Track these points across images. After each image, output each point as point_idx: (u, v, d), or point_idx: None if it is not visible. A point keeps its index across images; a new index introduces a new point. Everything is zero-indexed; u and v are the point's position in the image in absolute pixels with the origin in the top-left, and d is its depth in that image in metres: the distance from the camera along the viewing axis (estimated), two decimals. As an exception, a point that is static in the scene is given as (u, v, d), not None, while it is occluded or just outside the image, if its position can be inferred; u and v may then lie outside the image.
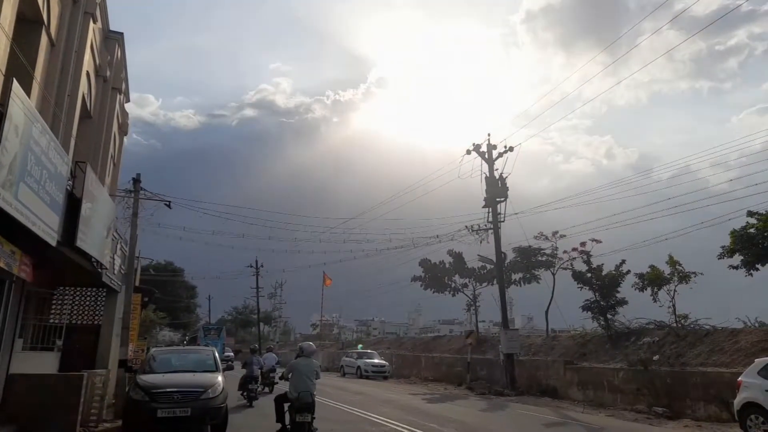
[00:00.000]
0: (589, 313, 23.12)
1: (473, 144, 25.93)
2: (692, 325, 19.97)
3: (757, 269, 17.80)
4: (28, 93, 9.30)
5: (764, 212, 17.48)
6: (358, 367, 33.02)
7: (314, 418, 9.07)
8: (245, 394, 17.00)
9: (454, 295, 33.33)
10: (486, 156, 25.73)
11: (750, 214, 17.82)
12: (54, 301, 15.03)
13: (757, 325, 18.33)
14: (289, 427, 9.28)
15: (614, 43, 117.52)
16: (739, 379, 12.17)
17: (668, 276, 20.74)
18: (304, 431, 8.80)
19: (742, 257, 17.83)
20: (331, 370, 41.88)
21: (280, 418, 9.78)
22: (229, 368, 20.46)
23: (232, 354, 45.05)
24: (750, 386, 11.59)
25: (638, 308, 22.71)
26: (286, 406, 9.54)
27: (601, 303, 22.62)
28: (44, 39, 10.66)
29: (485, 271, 30.97)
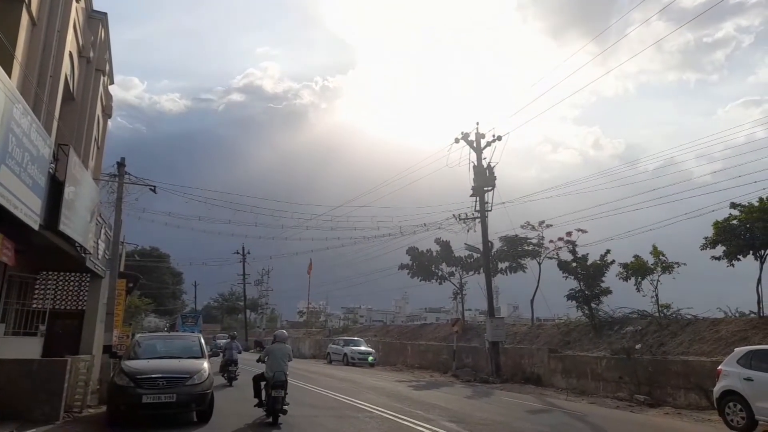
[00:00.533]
0: (574, 302, 23.37)
1: (462, 132, 25.92)
2: (674, 315, 20.27)
3: (739, 260, 18.07)
4: (9, 73, 9.09)
5: (747, 204, 17.71)
6: (345, 354, 33.13)
7: (286, 393, 10.83)
8: (225, 375, 18.66)
9: (441, 283, 33.48)
10: (474, 145, 25.73)
11: (733, 205, 18.05)
12: (37, 286, 14.85)
13: (737, 315, 18.66)
14: (265, 401, 10.98)
15: (603, 33, 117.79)
16: (720, 367, 12.39)
17: (652, 266, 21.00)
18: (278, 404, 10.51)
19: (725, 248, 18.08)
20: (318, 357, 41.99)
21: (257, 393, 11.46)
22: (215, 354, 20.58)
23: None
24: (729, 375, 11.81)
25: (622, 298, 23.01)
26: (262, 384, 11.25)
27: (586, 292, 22.87)
28: (25, 17, 10.41)
29: (472, 259, 31.11)
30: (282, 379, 10.73)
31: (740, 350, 12.31)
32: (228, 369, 18.82)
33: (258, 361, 11.77)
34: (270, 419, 10.59)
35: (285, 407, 10.71)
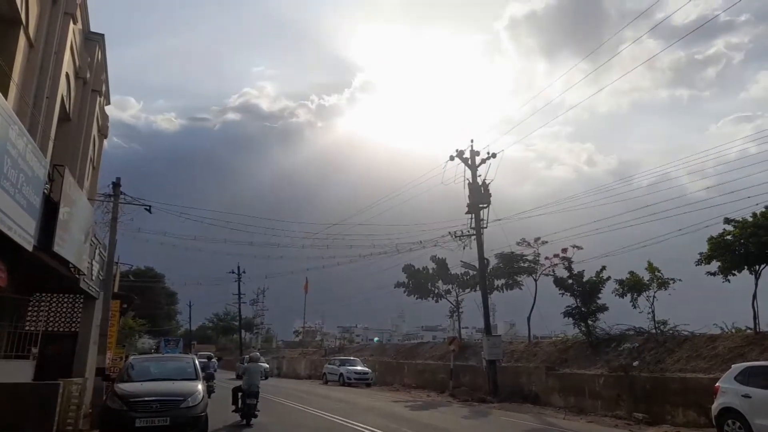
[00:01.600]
0: (571, 319, 23.30)
1: (456, 150, 26.08)
2: (671, 331, 20.22)
3: (734, 275, 18.09)
4: (6, 94, 9.13)
5: (740, 219, 17.80)
6: (341, 374, 32.82)
7: (258, 401, 13.85)
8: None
9: (437, 301, 33.35)
10: (469, 162, 25.86)
11: (727, 221, 18.14)
12: (30, 308, 14.72)
13: (733, 330, 18.62)
14: (241, 407, 13.84)
15: (596, 51, 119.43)
16: (717, 384, 12.33)
17: (647, 282, 21.00)
18: (251, 410, 13.60)
19: (720, 264, 18.12)
20: (314, 377, 41.56)
21: (234, 401, 14.25)
22: (209, 376, 20.55)
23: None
24: (727, 392, 11.75)
25: (618, 314, 22.95)
26: (239, 394, 14.01)
27: (582, 309, 22.81)
28: (22, 39, 10.47)
29: (468, 277, 31.05)
30: (255, 390, 13.72)
31: (737, 367, 12.28)
32: (207, 384, 20.55)
33: (237, 377, 15.89)
34: (244, 422, 13.58)
35: (257, 412, 13.76)
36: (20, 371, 12.68)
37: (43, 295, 15.34)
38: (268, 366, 41.27)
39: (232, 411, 14.16)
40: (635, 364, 18.59)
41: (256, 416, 13.69)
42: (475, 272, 27.72)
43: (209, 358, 25.27)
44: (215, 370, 24.59)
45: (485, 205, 25.47)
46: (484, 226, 25.60)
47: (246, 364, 14.83)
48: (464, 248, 26.91)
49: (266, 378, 34.49)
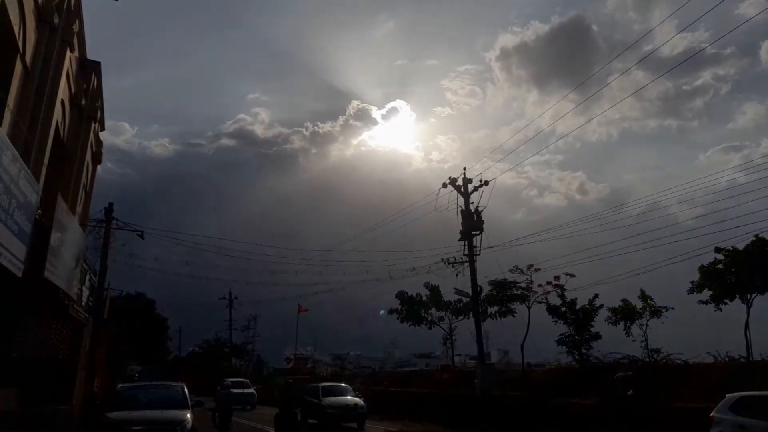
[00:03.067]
0: (564, 347, 23.20)
1: (449, 178, 26.23)
2: (664, 360, 20.15)
3: (726, 304, 18.16)
4: (0, 120, 9.17)
5: (731, 248, 17.94)
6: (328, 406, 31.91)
7: (231, 422, 17.39)
8: None
9: (430, 328, 33.13)
10: (462, 190, 26.02)
11: (717, 250, 18.28)
12: (18, 335, 14.51)
13: (727, 359, 18.59)
14: (218, 423, 16.77)
15: (585, 82, 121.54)
16: (712, 414, 12.26)
17: (640, 310, 21.02)
18: (226, 428, 16.81)
19: (711, 292, 18.20)
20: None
21: (213, 420, 17.01)
22: (198, 404, 20.08)
23: None
24: (722, 422, 11.68)
25: (611, 342, 22.88)
26: (216, 414, 17.02)
27: (576, 337, 22.74)
28: (19, 66, 10.57)
29: (461, 304, 30.93)
30: (229, 411, 17.26)
31: (732, 396, 12.22)
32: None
33: (215, 401, 17.88)
34: None
35: (231, 426, 17.15)
36: (6, 399, 12.42)
37: (32, 320, 15.16)
38: (254, 391, 38.84)
39: (213, 427, 16.96)
40: (629, 393, 18.45)
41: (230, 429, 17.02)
42: (468, 299, 27.64)
43: (242, 386, 23.83)
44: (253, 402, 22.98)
45: (478, 233, 25.54)
46: (477, 253, 25.62)
47: (222, 391, 17.63)
48: (457, 275, 26.89)
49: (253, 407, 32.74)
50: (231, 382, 21.94)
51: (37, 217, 10.31)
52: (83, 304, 15.46)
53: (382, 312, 30.91)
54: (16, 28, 9.95)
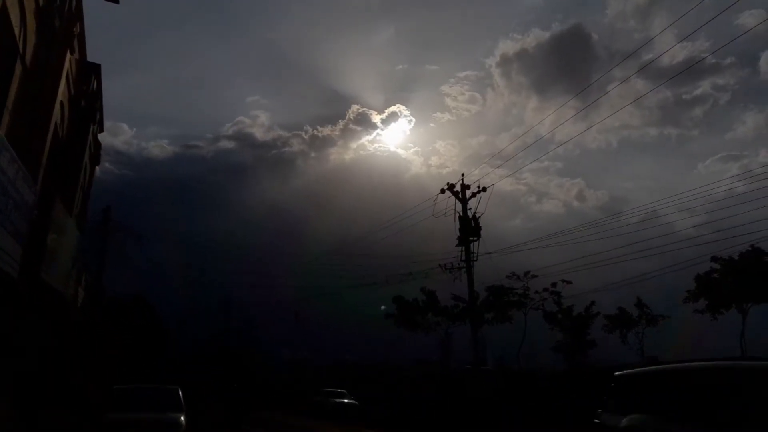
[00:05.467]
0: (561, 354, 23.23)
1: (447, 184, 26.26)
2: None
3: (722, 313, 18.19)
4: (-1, 121, 9.21)
5: (727, 258, 17.99)
6: (332, 406, 32.19)
7: None
8: None
9: (427, 333, 33.15)
10: (460, 196, 26.06)
11: (714, 259, 18.32)
12: (13, 336, 14.48)
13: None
14: None
15: (585, 89, 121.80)
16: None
17: (636, 318, 21.06)
18: None
19: (707, 302, 18.23)
20: (300, 409, 40.74)
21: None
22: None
23: None
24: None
25: (608, 350, 22.90)
26: None
27: (572, 344, 22.77)
28: (18, 68, 10.61)
29: (458, 309, 30.95)
30: None
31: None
32: None
33: None
34: None
35: None
36: (0, 401, 12.40)
37: (27, 321, 15.13)
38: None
39: None
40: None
41: None
42: (464, 305, 27.63)
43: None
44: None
45: (475, 239, 25.56)
46: (475, 259, 25.64)
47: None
48: (454, 281, 26.88)
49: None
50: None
51: (34, 217, 10.34)
52: (79, 305, 15.46)
53: (383, 307, 30.85)
54: (16, 30, 10.00)
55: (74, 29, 13.41)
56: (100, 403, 16.47)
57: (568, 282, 24.11)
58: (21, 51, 10.54)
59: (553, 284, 24.32)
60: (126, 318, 44.23)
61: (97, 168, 21.60)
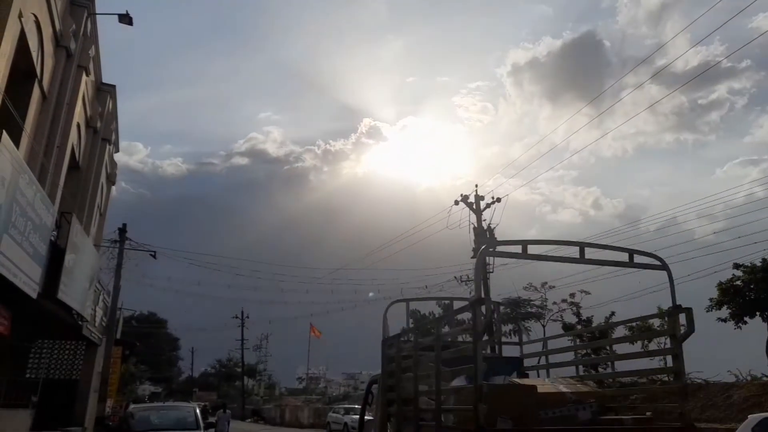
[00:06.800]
0: (581, 367, 22.81)
1: (461, 195, 26.18)
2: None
3: (746, 322, 17.75)
4: (17, 144, 9.31)
5: (749, 264, 17.61)
6: (345, 423, 31.96)
7: None
8: None
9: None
10: (474, 207, 25.94)
11: (736, 266, 17.93)
12: (31, 355, 14.57)
13: (749, 378, 18.14)
14: None
15: (598, 97, 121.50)
16: (734, 435, 11.91)
17: (657, 328, 20.63)
18: None
19: (730, 310, 17.82)
20: (317, 426, 40.49)
21: None
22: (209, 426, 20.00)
23: None
24: (745, 443, 11.33)
25: (629, 361, 22.44)
26: None
27: (593, 356, 22.36)
28: (36, 92, 10.76)
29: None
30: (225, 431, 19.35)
31: (754, 418, 11.86)
32: None
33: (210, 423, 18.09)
34: None
35: None
36: (19, 421, 12.44)
37: (45, 341, 15.22)
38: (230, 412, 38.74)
39: None
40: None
41: None
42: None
43: (221, 407, 22.07)
44: (228, 425, 20.33)
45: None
46: (490, 270, 25.44)
47: (219, 413, 19.99)
48: (470, 293, 26.67)
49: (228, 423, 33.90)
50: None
51: (53, 238, 10.41)
52: (96, 324, 15.52)
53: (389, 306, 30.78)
54: (34, 54, 10.16)
55: (90, 52, 13.61)
56: (116, 423, 16.45)
57: (587, 292, 23.80)
58: (39, 75, 10.70)
59: (572, 295, 24.02)
60: (142, 336, 44.45)
61: (113, 187, 21.82)
